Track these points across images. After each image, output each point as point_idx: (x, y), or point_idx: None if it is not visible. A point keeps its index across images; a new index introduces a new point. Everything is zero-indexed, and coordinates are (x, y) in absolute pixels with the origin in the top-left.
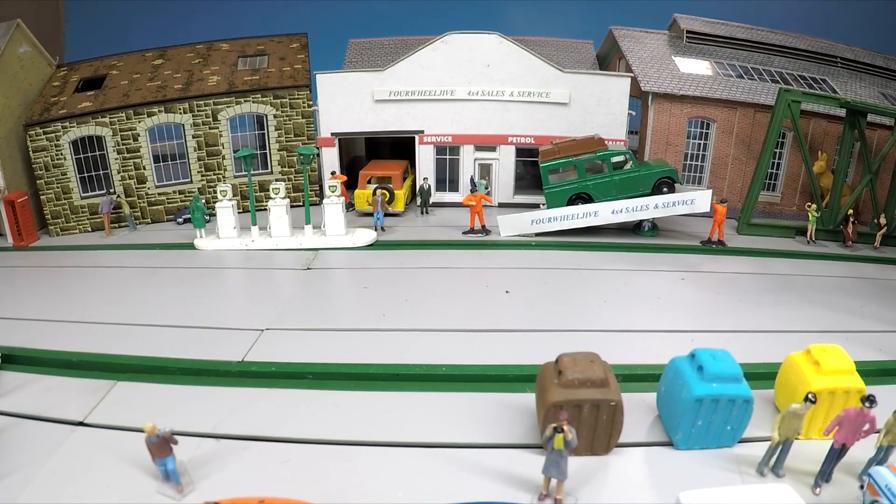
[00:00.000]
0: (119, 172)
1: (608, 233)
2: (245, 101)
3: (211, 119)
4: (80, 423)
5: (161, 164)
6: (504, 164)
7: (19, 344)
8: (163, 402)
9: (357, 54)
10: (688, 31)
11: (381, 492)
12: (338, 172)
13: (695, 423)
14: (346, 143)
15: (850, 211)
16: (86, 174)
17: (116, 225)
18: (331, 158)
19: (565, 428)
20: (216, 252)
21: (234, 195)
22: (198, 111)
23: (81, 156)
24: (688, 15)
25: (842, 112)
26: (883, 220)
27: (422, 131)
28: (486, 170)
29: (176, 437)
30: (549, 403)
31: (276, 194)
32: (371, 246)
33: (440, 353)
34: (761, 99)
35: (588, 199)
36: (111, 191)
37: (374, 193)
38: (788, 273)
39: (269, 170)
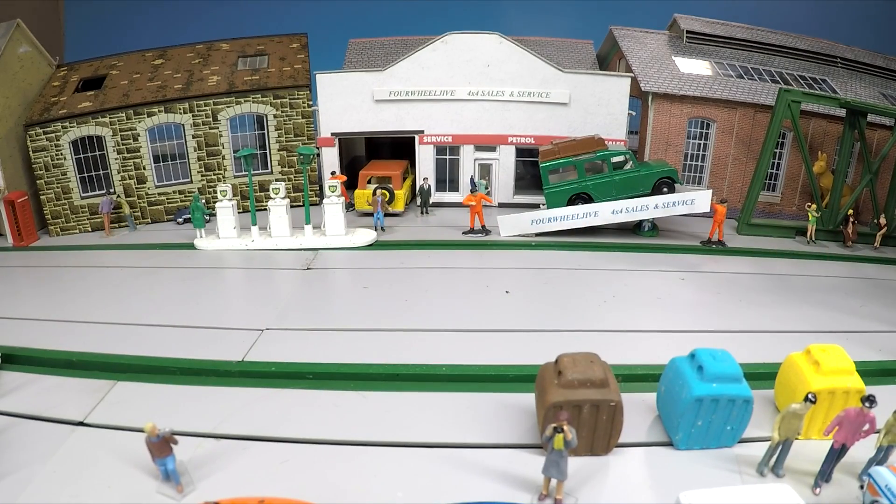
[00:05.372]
0: (119, 172)
1: (608, 233)
2: (245, 101)
3: (211, 119)
4: (80, 423)
5: (161, 164)
6: (504, 164)
7: (19, 344)
8: (163, 402)
9: (357, 54)
10: (688, 32)
11: (381, 492)
12: (338, 172)
13: (695, 424)
14: (346, 143)
15: (850, 211)
16: (86, 174)
17: (116, 225)
18: (331, 158)
19: (565, 428)
20: (216, 252)
21: (234, 195)
22: (198, 111)
23: (81, 156)
24: (688, 15)
25: (842, 112)
26: (883, 221)
27: (422, 131)
28: (486, 170)
29: (176, 437)
30: (548, 404)
31: (276, 194)
32: (371, 246)
33: (440, 353)
34: (761, 99)
35: (588, 199)
36: (111, 191)
37: (374, 193)
38: (788, 273)
39: (269, 170)
